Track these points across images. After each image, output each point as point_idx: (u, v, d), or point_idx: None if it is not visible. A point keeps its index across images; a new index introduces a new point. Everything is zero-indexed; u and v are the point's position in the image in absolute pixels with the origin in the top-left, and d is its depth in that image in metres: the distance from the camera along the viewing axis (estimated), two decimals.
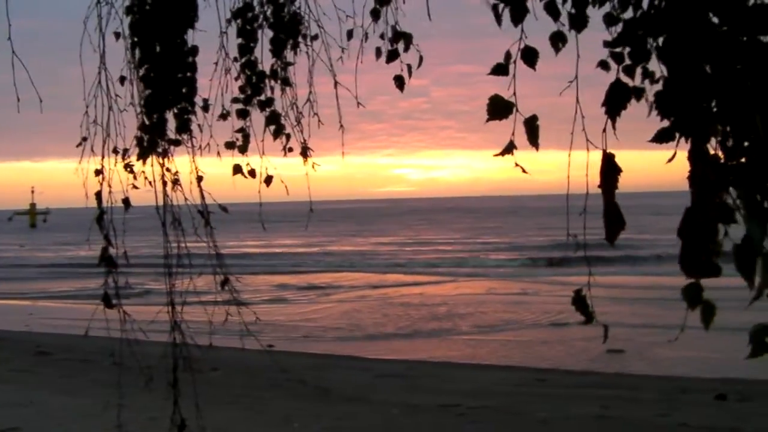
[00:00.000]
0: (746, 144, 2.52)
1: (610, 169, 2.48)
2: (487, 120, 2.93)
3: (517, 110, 2.97)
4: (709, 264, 2.60)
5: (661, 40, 2.77)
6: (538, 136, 2.86)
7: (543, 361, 18.73)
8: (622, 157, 2.76)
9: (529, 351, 20.25)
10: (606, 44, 3.32)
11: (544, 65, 3.33)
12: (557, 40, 3.43)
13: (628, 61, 3.58)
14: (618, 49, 3.51)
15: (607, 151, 2.83)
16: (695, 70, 2.53)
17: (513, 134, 2.95)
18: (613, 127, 2.61)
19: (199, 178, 5.25)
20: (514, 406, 13.47)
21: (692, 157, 2.39)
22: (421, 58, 5.69)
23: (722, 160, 2.50)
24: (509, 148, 2.87)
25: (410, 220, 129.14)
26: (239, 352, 17.48)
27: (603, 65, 3.67)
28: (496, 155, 2.89)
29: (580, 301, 3.32)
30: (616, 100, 2.57)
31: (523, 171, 2.95)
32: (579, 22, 3.41)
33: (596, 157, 2.72)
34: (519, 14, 3.33)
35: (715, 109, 2.66)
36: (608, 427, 12.11)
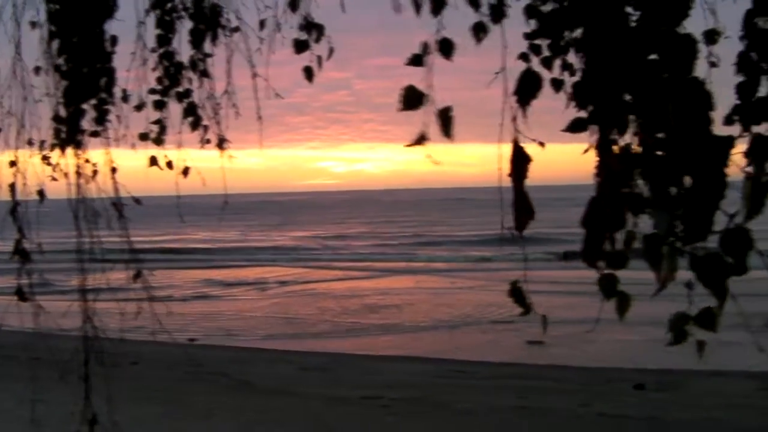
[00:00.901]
0: (658, 135, 2.53)
1: (519, 159, 2.48)
2: (400, 110, 2.92)
3: (431, 101, 2.95)
4: (615, 255, 2.61)
5: (578, 32, 2.78)
6: (452, 128, 2.84)
7: (465, 352, 18.82)
8: (553, 150, 2.76)
9: (452, 343, 20.34)
10: (525, 36, 3.32)
11: (476, 59, 3.33)
12: (478, 31, 3.43)
13: (547, 53, 3.60)
14: (537, 41, 3.52)
15: (539, 142, 2.83)
16: (610, 61, 2.54)
17: (427, 125, 2.93)
18: (524, 116, 2.61)
19: (113, 170, 5.17)
20: (435, 397, 13.51)
21: (598, 148, 2.39)
22: (331, 50, 5.66)
23: (634, 151, 2.51)
24: (421, 139, 2.85)
25: (334, 212, 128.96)
26: (160, 346, 17.39)
27: (523, 57, 3.68)
28: (408, 146, 2.88)
29: (517, 293, 3.31)
30: (526, 89, 2.57)
31: (435, 163, 2.94)
32: (498, 13, 3.41)
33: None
34: (438, 5, 3.32)
35: (629, 101, 2.67)
36: (528, 417, 12.20)
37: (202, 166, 6.02)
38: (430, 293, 30.99)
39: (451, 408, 12.78)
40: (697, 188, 2.47)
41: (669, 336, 3.04)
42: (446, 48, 3.18)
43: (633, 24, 2.68)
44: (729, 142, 2.64)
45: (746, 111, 2.91)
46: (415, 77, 3.07)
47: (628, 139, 2.61)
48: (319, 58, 5.68)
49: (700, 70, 3.40)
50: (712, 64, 4.15)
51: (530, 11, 3.36)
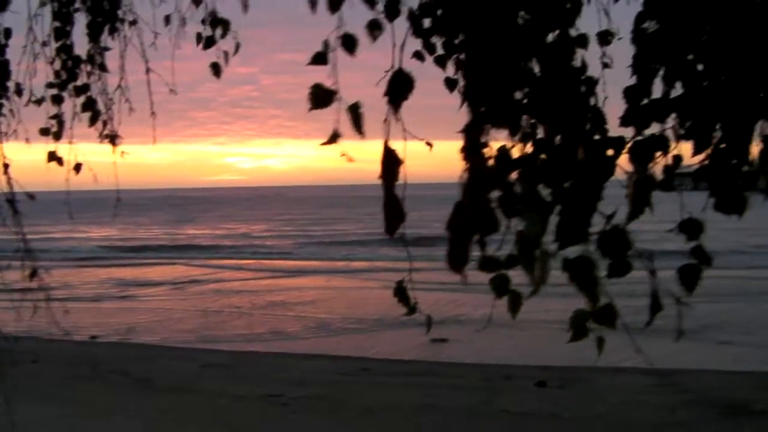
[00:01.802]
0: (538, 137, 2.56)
1: (390, 161, 2.48)
2: (310, 109, 2.90)
3: (340, 98, 2.94)
4: (487, 259, 2.63)
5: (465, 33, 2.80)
6: (363, 124, 2.84)
7: (368, 350, 18.84)
8: (446, 148, 2.77)
9: (354, 341, 20.35)
10: (418, 34, 3.34)
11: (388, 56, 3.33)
12: (373, 29, 3.43)
13: (441, 51, 3.62)
14: (432, 40, 3.54)
15: (427, 142, 2.84)
16: (495, 62, 2.56)
17: (338, 123, 2.92)
18: (395, 117, 2.61)
19: (5, 166, 5.09)
20: (337, 395, 13.52)
21: (465, 150, 2.41)
22: (237, 45, 5.64)
23: (511, 153, 2.54)
24: (334, 138, 2.85)
25: (239, 209, 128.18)
26: (61, 344, 17.17)
27: (418, 56, 3.69)
28: (323, 144, 2.87)
29: (401, 292, 3.32)
30: (397, 90, 2.57)
31: (350, 160, 2.93)
32: (392, 12, 3.42)
33: (415, 147, 2.72)
34: (336, 1, 3.31)
35: (517, 101, 2.70)
36: (431, 414, 12.27)
37: (108, 161, 5.96)
38: (337, 291, 30.96)
39: (353, 406, 12.80)
40: (574, 191, 2.50)
41: (569, 333, 3.08)
42: (349, 44, 3.17)
43: (519, 24, 2.71)
44: (619, 143, 2.68)
45: (635, 114, 2.96)
46: (323, 73, 3.06)
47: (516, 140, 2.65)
48: (226, 53, 5.66)
49: (595, 70, 3.45)
50: (605, 65, 4.22)
51: (422, 9, 3.38)
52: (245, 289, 32.36)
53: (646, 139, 2.88)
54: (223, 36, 5.61)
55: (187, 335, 21.79)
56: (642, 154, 2.78)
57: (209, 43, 5.61)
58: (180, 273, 40.25)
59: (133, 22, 5.90)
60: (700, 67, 3.19)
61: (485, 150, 2.48)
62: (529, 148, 2.57)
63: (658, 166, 3.17)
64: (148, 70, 5.90)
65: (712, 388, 14.01)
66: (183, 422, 11.83)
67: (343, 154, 2.75)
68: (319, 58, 3.07)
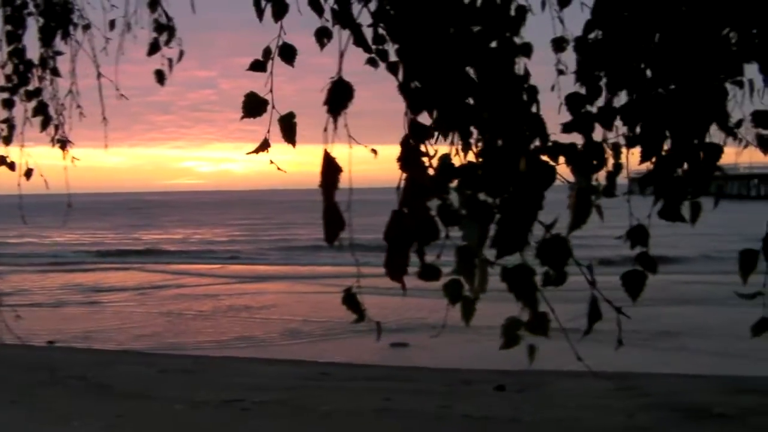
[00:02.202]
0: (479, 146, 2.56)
1: (329, 169, 2.47)
2: (242, 117, 2.89)
3: (273, 107, 2.93)
4: (427, 267, 2.62)
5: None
6: (295, 134, 2.82)
7: (329, 355, 18.82)
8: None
9: (315, 345, 20.33)
10: (359, 43, 3.33)
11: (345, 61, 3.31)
12: (321, 36, 3.42)
13: (395, 58, 3.61)
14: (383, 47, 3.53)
15: (372, 149, 2.83)
16: (436, 69, 2.55)
17: (269, 131, 2.91)
18: (335, 126, 2.60)
19: None
20: (297, 399, 13.46)
21: (402, 160, 2.40)
22: (181, 53, 5.61)
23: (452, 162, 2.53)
24: (263, 146, 2.83)
25: (199, 213, 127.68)
26: (18, 350, 17.01)
27: (371, 62, 3.68)
28: (249, 153, 2.85)
29: (350, 299, 3.31)
30: (337, 99, 2.56)
31: (279, 169, 2.92)
32: (343, 19, 3.41)
33: (360, 152, 2.70)
34: (280, 10, 3.30)
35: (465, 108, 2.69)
36: (390, 419, 12.24)
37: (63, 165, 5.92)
38: (300, 296, 30.89)
39: (314, 410, 12.75)
40: (514, 199, 2.49)
41: (501, 340, 3.08)
42: (288, 53, 3.16)
43: (459, 32, 2.70)
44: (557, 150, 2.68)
45: (578, 121, 2.97)
46: (282, 78, 3.05)
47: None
48: (170, 60, 5.64)
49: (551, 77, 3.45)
50: (560, 72, 4.22)
51: (376, 16, 3.37)
52: (206, 294, 32.23)
53: (587, 148, 2.88)
54: (167, 42, 5.58)
55: (147, 340, 21.68)
56: (583, 163, 2.77)
57: (153, 49, 5.58)
58: (140, 277, 40.01)
59: (87, 27, 5.87)
60: (648, 74, 3.20)
61: (425, 159, 2.48)
62: (470, 156, 2.57)
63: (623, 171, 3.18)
64: (99, 75, 5.86)
65: (673, 392, 14.07)
66: (142, 428, 11.74)
67: (272, 162, 2.73)
68: (258, 66, 3.06)
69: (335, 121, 2.57)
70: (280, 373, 16.27)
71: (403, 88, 2.75)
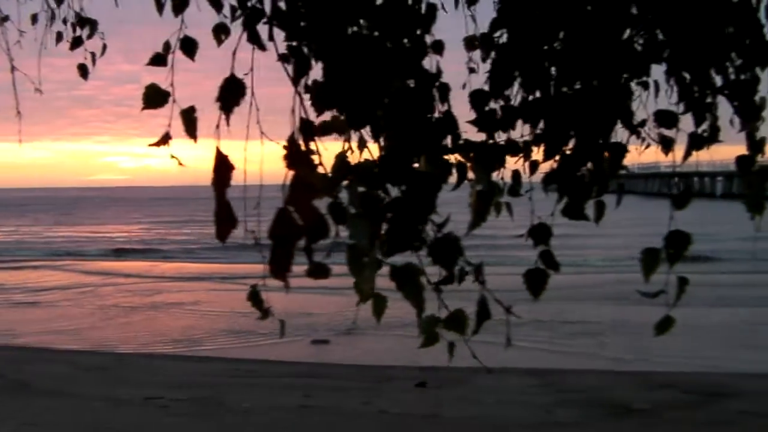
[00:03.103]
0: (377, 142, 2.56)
1: (221, 167, 2.46)
2: (142, 109, 2.86)
3: (174, 100, 2.90)
4: (316, 266, 2.62)
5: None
6: (196, 128, 2.80)
7: (249, 352, 18.76)
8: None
9: (237, 342, 20.24)
10: (253, 40, 3.32)
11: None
12: (219, 32, 3.39)
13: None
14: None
15: (284, 146, 2.82)
16: (339, 68, 2.55)
17: (170, 125, 2.88)
18: (227, 123, 2.59)
19: None
20: (218, 396, 13.40)
21: (288, 158, 2.40)
22: (104, 46, 5.55)
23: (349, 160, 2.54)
24: (165, 139, 2.81)
25: (121, 210, 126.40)
26: None
27: (283, 58, 3.66)
28: (151, 145, 2.82)
29: (254, 297, 3.29)
30: (229, 96, 2.55)
31: (180, 164, 2.89)
32: (275, 16, 3.40)
33: (272, 148, 2.69)
34: (179, 5, 3.27)
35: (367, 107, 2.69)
36: (310, 415, 12.23)
37: None
38: (223, 294, 30.70)
39: (235, 408, 12.70)
40: (407, 199, 2.50)
41: (421, 338, 3.09)
42: (188, 47, 3.14)
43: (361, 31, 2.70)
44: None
45: (482, 119, 2.99)
46: (200, 74, 3.03)
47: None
48: (93, 54, 5.57)
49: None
50: (471, 70, 4.24)
51: (275, 15, 3.35)
52: (129, 291, 31.90)
53: (487, 148, 2.90)
54: (90, 36, 5.52)
55: (66, 338, 21.40)
56: (484, 162, 2.79)
57: (76, 43, 5.52)
58: (61, 275, 39.47)
59: (5, 19, 5.79)
60: (553, 74, 3.23)
61: (314, 157, 2.47)
62: (366, 154, 2.57)
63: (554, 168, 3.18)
64: (12, 69, 5.78)
65: (592, 388, 14.23)
66: (59, 426, 11.61)
67: (173, 157, 2.71)
68: (158, 60, 3.03)
69: (227, 118, 2.56)
70: (201, 371, 16.19)
71: (308, 87, 2.75)
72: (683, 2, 3.76)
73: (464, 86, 3.87)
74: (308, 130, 2.36)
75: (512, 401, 13.21)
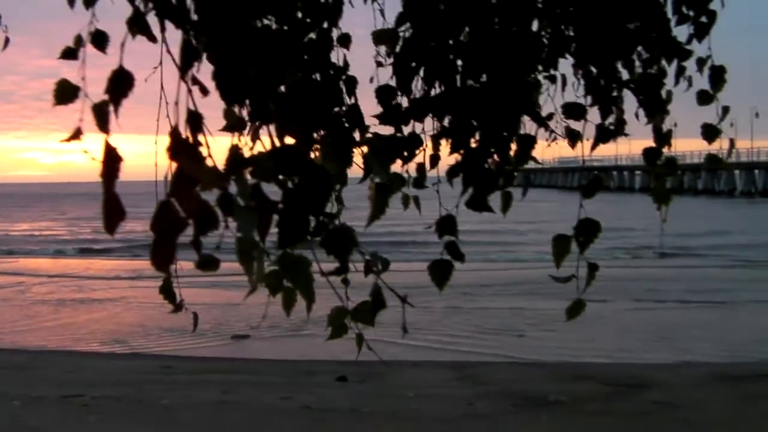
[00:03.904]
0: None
1: (110, 159, 2.46)
2: (54, 104, 2.84)
3: (86, 95, 2.88)
4: (205, 258, 2.63)
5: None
6: (108, 122, 2.79)
7: (169, 348, 18.66)
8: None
9: (156, 339, 20.10)
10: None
11: None
12: (132, 24, 3.38)
13: None
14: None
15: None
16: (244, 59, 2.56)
17: (81, 120, 2.87)
18: (116, 115, 2.59)
19: None
20: (138, 394, 13.31)
21: (171, 150, 2.40)
22: (7, 40, 5.49)
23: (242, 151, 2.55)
24: (76, 134, 2.79)
25: (39, 206, 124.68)
26: None
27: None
28: (63, 141, 2.81)
29: (166, 290, 3.29)
30: (118, 88, 2.55)
31: (93, 159, 2.88)
32: (161, 7, 3.39)
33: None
34: None
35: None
36: (229, 411, 12.20)
37: None
38: (144, 291, 30.42)
39: (155, 404, 12.64)
40: (299, 189, 2.52)
41: (329, 330, 3.11)
42: (99, 40, 3.13)
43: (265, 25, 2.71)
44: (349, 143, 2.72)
45: (388, 114, 3.02)
46: (149, 67, 3.01)
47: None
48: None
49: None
50: (379, 64, 4.27)
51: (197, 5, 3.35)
52: (48, 289, 31.48)
53: (385, 141, 2.93)
54: None
55: None
56: (382, 155, 2.82)
57: None
58: None
59: None
60: (459, 68, 3.27)
61: (201, 149, 2.47)
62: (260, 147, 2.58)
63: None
64: None
65: (511, 380, 14.36)
66: None
67: (86, 152, 2.71)
68: (69, 53, 3.02)
69: (116, 110, 2.55)
70: (121, 368, 16.06)
71: (217, 77, 2.75)
72: None
73: (372, 80, 3.91)
74: (195, 122, 2.37)
75: (432, 395, 13.30)
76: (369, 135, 3.19)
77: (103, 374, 15.34)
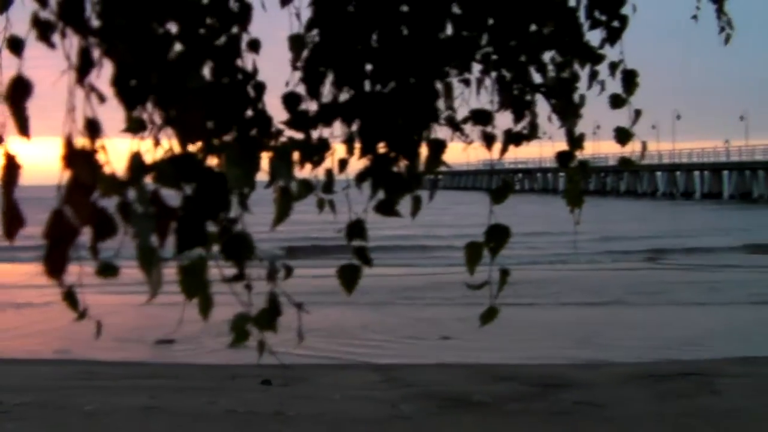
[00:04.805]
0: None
1: (9, 166, 2.47)
2: None
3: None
4: (104, 265, 2.64)
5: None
6: (28, 127, 2.78)
7: (92, 353, 18.43)
8: None
9: (80, 344, 19.83)
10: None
11: None
12: (44, 30, 3.36)
13: None
14: None
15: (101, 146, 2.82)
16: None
17: (5, 125, 2.85)
18: (20, 122, 2.58)
19: None
20: (60, 400, 13.17)
21: (65, 158, 2.41)
22: None
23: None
24: None
25: None
26: None
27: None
28: None
29: (70, 297, 3.27)
30: (16, 95, 2.55)
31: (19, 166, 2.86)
32: (69, 15, 3.37)
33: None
34: (4, 4, 3.25)
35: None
36: (154, 416, 12.14)
37: None
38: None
39: (78, 410, 12.52)
40: (196, 196, 2.54)
41: (231, 336, 3.12)
42: (15, 45, 3.11)
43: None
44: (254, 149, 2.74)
45: (296, 119, 3.04)
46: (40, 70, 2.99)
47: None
48: None
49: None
50: (295, 68, 4.30)
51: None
52: None
53: (288, 145, 2.95)
54: None
55: None
56: (286, 159, 2.84)
57: None
58: None
59: None
60: (368, 73, 3.30)
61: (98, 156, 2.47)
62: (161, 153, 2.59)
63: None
64: None
65: (435, 382, 14.45)
66: None
67: (8, 155, 2.70)
68: None
69: (17, 117, 2.54)
70: (42, 374, 15.87)
71: (117, 83, 2.74)
72: (503, 1, 3.88)
73: (287, 84, 3.93)
74: (94, 129, 2.37)
75: (357, 397, 13.33)
76: (283, 139, 3.22)
77: (27, 380, 15.14)
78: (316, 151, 3.17)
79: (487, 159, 4.62)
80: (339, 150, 3.71)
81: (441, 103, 3.88)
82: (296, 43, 3.26)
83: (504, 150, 4.09)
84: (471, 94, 4.21)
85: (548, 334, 20.58)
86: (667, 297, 27.12)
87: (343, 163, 3.58)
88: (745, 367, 15.50)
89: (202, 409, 12.63)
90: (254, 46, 3.28)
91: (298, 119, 3.10)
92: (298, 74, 4.00)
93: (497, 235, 3.81)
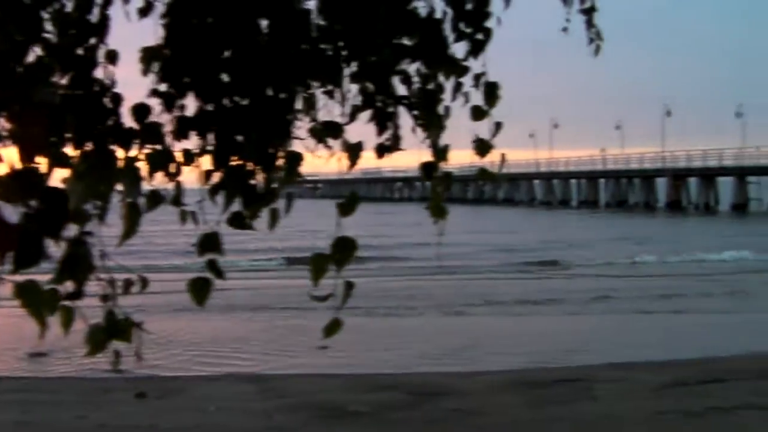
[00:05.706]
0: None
1: None
2: None
3: None
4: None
5: None
6: None
7: None
8: None
9: None
10: None
11: None
12: None
13: None
14: None
15: None
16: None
17: None
18: None
19: None
20: None
21: None
22: None
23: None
24: None
25: None
26: None
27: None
28: None
29: None
30: None
31: None
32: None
33: None
34: None
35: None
36: (26, 431, 11.91)
37: None
38: None
39: None
40: (36, 213, 2.51)
41: (88, 347, 3.10)
42: None
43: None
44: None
45: (145, 132, 3.01)
46: None
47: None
48: None
49: None
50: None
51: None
52: None
53: (133, 160, 2.94)
54: None
55: None
56: (130, 175, 2.83)
57: None
58: None
59: None
60: (224, 85, 3.29)
61: None
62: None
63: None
64: None
65: (310, 392, 14.41)
66: None
67: None
68: None
69: None
70: None
71: None
72: (367, 14, 3.89)
73: (154, 93, 3.90)
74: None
75: (232, 408, 13.26)
76: (149, 151, 3.18)
77: None
78: (161, 164, 3.13)
79: (366, 168, 4.65)
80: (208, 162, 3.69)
81: (303, 115, 3.88)
82: (146, 54, 3.23)
83: (353, 163, 4.07)
84: (335, 105, 4.22)
85: (428, 342, 20.73)
86: (555, 306, 27.57)
87: (208, 175, 3.56)
88: (622, 372, 15.80)
89: (72, 423, 12.42)
90: (112, 57, 3.25)
91: (148, 131, 3.07)
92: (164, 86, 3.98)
93: (344, 247, 3.81)
